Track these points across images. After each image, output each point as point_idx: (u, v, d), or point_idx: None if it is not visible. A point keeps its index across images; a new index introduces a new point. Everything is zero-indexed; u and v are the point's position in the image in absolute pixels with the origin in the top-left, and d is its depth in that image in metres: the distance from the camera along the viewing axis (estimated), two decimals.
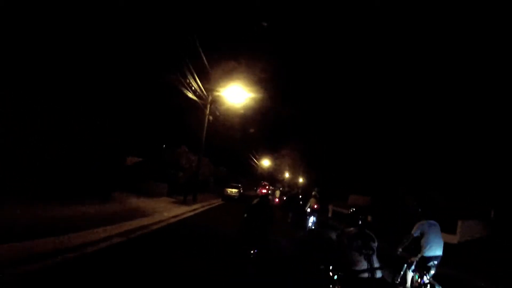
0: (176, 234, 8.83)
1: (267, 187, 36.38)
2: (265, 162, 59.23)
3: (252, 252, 5.42)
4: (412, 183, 22.15)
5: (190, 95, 15.67)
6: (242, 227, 5.60)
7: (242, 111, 21.59)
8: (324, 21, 39.44)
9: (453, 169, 19.49)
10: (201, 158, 18.54)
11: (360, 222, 3.75)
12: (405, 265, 5.38)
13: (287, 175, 64.06)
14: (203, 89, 16.53)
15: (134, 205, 11.76)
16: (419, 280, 5.14)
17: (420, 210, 5.53)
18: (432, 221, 5.17)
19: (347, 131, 34.05)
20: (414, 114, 22.94)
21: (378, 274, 3.39)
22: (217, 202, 22.12)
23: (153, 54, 13.74)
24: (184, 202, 16.10)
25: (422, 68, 22.89)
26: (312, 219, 12.56)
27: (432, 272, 4.99)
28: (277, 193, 26.10)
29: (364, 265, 3.35)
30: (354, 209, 4.05)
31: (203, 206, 17.00)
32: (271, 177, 58.39)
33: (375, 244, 3.58)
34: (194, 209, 14.96)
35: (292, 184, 60.99)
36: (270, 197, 12.51)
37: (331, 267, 3.87)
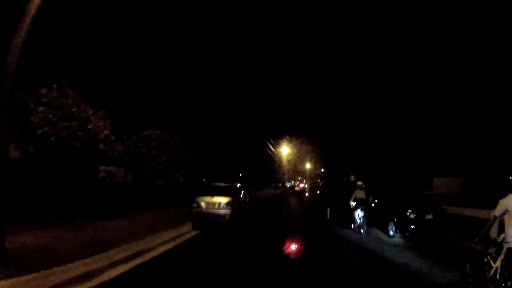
0: None
1: (304, 181, 37.89)
2: (284, 150, 44.93)
3: None
4: None
5: None
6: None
7: None
8: None
9: None
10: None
11: None
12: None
13: (308, 165, 51.56)
14: None
15: None
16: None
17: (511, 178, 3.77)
18: None
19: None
20: None
21: None
22: (160, 244, 7.59)
23: None
24: None
25: None
26: (359, 213, 10.82)
27: None
28: (307, 186, 25.23)
29: None
30: None
31: None
32: (293, 170, 44.35)
33: None
34: None
35: (313, 176, 49.30)
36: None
37: None
